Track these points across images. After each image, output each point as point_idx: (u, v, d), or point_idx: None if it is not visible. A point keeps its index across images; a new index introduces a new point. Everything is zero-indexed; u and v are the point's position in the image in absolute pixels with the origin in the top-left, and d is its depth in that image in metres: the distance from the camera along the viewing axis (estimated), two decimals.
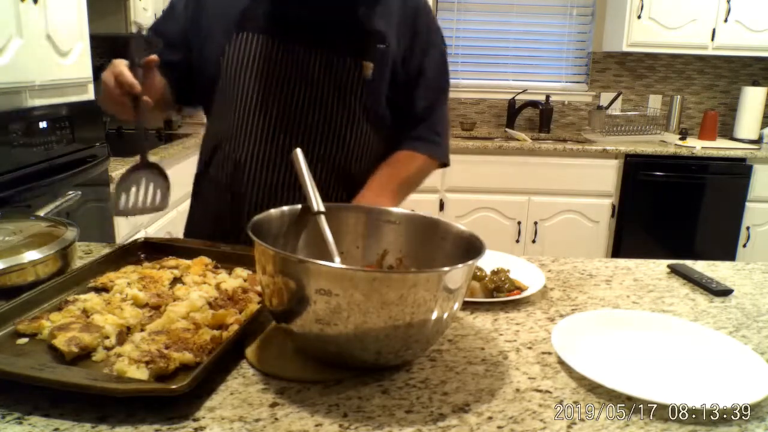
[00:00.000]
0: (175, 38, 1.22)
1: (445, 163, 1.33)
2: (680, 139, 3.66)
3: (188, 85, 1.24)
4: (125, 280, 0.91)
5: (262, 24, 1.16)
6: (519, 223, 3.49)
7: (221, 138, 1.21)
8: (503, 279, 1.02)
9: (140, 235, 2.31)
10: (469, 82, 3.98)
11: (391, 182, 1.23)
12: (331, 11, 1.17)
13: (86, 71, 2.33)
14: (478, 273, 1.03)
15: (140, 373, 0.66)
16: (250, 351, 0.77)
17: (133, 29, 0.83)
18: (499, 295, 1.00)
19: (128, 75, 0.93)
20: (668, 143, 3.61)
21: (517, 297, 0.99)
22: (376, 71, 1.18)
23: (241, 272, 0.98)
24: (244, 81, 1.17)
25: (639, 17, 3.53)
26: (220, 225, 1.23)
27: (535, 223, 3.49)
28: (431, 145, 1.29)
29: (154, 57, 0.95)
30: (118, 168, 2.39)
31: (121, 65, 0.96)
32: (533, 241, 3.51)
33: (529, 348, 0.83)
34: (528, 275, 1.08)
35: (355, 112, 1.19)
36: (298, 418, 0.64)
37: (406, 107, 1.27)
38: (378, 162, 1.27)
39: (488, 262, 1.08)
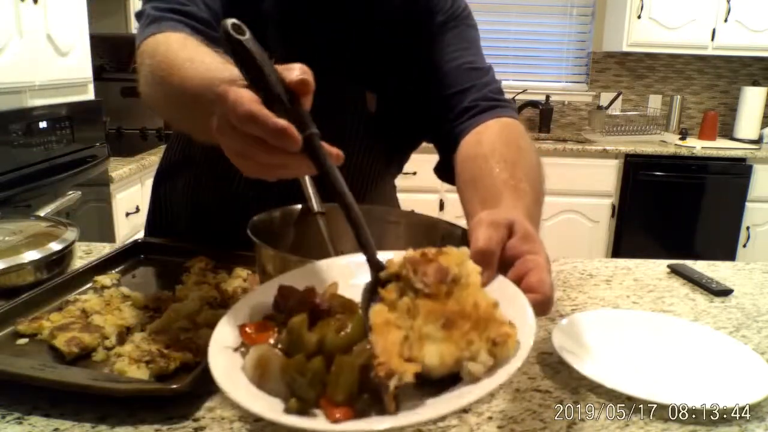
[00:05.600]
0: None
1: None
2: (680, 139, 3.66)
3: None
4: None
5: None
6: None
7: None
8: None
9: (140, 235, 2.31)
10: None
11: (516, 175, 0.75)
12: (343, 28, 0.95)
13: (86, 71, 2.33)
14: None
15: (140, 373, 0.66)
16: None
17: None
18: None
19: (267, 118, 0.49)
20: (668, 143, 3.61)
21: None
22: (381, 105, 0.96)
23: (241, 272, 0.98)
24: None
25: (639, 17, 3.53)
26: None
27: None
28: (504, 107, 0.94)
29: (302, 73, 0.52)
30: (118, 168, 2.39)
31: (244, 98, 0.49)
32: None
33: None
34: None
35: (357, 147, 1.00)
36: None
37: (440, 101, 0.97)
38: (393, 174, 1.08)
39: None
